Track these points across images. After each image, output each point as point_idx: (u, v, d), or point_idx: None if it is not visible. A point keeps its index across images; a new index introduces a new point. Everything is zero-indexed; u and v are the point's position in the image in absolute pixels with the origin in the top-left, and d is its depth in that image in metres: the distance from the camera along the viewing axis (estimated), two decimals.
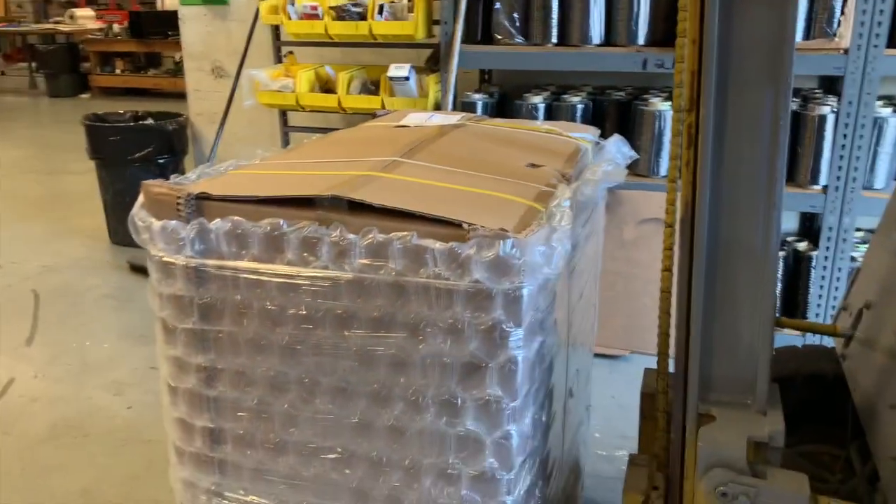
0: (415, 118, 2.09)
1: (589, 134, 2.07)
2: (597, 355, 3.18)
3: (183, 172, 1.71)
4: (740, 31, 1.14)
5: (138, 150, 4.56)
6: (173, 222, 1.36)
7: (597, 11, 3.15)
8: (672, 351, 1.39)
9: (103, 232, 4.89)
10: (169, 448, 1.60)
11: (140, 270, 4.24)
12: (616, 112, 3.34)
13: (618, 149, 1.93)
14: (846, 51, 2.84)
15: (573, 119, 3.24)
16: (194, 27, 4.82)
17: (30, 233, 5.04)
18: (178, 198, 1.36)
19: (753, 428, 1.27)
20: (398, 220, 1.26)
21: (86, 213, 5.31)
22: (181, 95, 5.29)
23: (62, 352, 3.45)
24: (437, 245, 1.22)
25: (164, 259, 1.39)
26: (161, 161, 4.64)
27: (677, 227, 1.33)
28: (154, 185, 1.39)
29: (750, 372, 1.29)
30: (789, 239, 3.39)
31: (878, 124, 2.93)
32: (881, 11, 2.78)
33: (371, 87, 3.71)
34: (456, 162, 1.62)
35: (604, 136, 2.13)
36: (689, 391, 1.31)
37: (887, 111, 2.95)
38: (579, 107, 3.27)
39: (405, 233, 1.23)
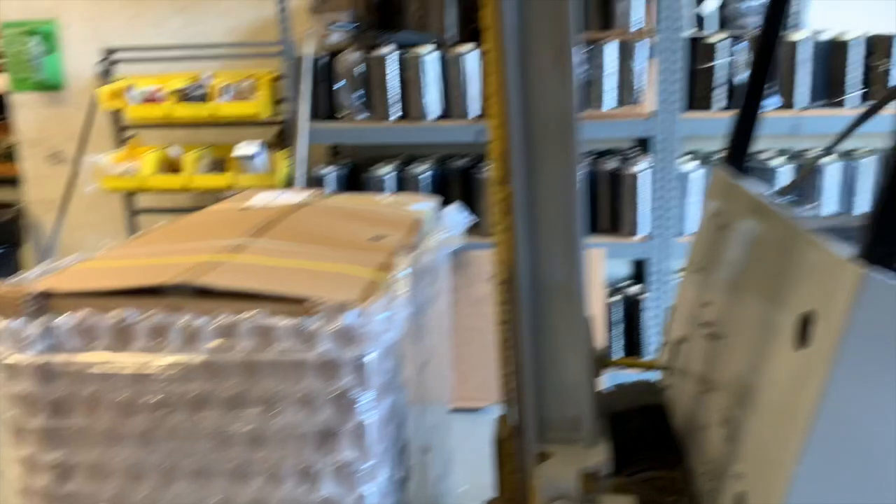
0: (261, 198, 2.17)
1: (428, 204, 2.23)
2: (461, 409, 3.30)
3: (17, 266, 1.68)
4: (537, 110, 1.32)
5: None
6: (17, 322, 1.36)
7: (434, 88, 3.38)
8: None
9: None
10: None
11: None
12: (459, 179, 3.57)
13: (455, 217, 2.10)
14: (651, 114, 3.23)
15: (420, 188, 3.43)
16: (28, 112, 4.65)
17: None
18: (20, 298, 1.36)
19: (583, 461, 1.42)
20: (247, 301, 1.33)
21: None
22: (11, 181, 5.03)
23: None
24: (285, 321, 1.30)
25: (9, 362, 1.38)
26: None
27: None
28: None
29: (576, 409, 1.45)
30: (621, 285, 3.70)
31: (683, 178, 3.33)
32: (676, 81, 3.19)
33: (220, 166, 3.74)
34: (301, 240, 1.71)
35: (450, 201, 2.34)
36: (527, 433, 1.45)
37: (690, 166, 3.35)
38: (425, 176, 3.48)
39: (252, 312, 1.31)
